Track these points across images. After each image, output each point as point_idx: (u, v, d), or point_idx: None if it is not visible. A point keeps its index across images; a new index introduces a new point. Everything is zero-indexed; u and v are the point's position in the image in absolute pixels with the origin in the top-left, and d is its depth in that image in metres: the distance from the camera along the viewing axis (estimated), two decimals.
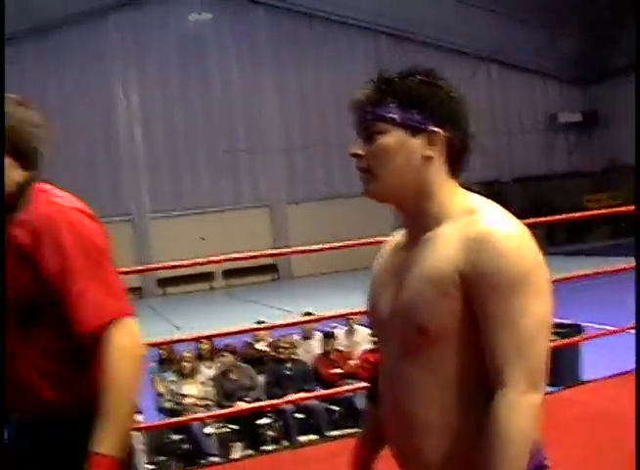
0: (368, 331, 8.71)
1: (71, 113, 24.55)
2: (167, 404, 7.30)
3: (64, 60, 24.71)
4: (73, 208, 2.05)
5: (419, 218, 1.69)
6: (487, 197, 1.69)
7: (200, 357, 8.07)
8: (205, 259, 5.84)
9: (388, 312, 1.69)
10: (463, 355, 1.59)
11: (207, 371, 7.86)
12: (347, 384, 7.43)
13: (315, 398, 7.37)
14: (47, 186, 2.13)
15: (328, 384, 7.69)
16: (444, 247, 1.59)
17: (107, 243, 2.07)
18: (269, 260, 25.10)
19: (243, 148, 26.77)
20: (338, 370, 7.80)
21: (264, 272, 26.34)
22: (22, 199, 2.06)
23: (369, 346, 8.06)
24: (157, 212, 25.54)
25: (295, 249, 6.07)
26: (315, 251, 5.10)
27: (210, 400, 7.49)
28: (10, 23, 23.08)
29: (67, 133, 24.45)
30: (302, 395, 7.25)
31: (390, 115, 1.67)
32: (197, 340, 7.69)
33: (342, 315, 7.18)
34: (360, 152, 1.73)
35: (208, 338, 7.62)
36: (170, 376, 7.52)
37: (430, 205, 1.67)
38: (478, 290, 1.53)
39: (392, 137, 1.67)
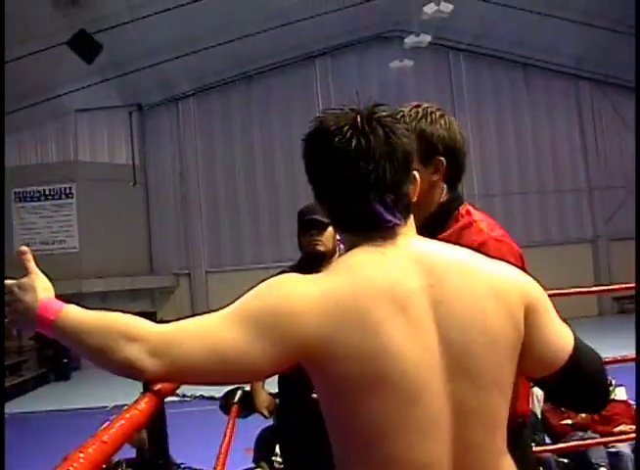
0: None
1: (274, 155, 25.51)
2: None
3: (268, 105, 25.69)
4: (496, 238, 2.11)
5: None
6: None
7: None
8: None
9: None
10: None
11: None
12: (577, 436, 7.11)
13: (548, 451, 7.02)
14: (472, 210, 2.29)
15: (557, 435, 7.33)
16: None
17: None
18: None
19: None
20: (568, 421, 7.39)
21: None
22: (446, 221, 2.19)
23: None
24: None
25: None
26: None
27: None
28: (220, 71, 24.37)
29: (269, 174, 25.37)
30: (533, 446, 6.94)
31: None
32: None
33: None
34: None
35: None
36: None
37: None
38: None
39: None
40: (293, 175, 24.86)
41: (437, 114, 2.20)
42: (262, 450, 6.45)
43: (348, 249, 1.52)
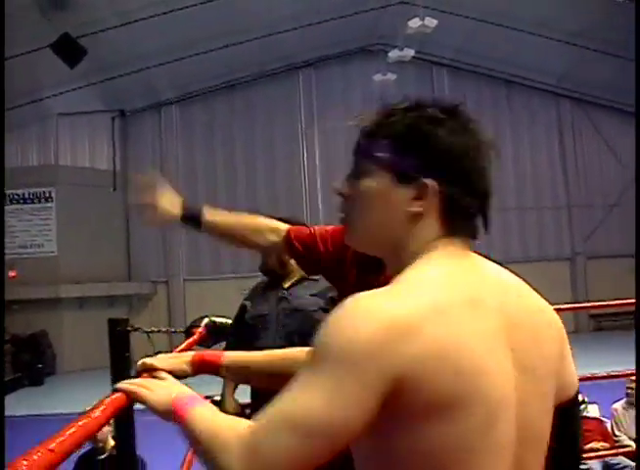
0: None
1: (256, 166, 25.48)
2: None
3: (251, 115, 25.64)
4: None
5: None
6: None
7: None
8: None
9: None
10: None
11: None
12: None
13: None
14: None
15: None
16: None
17: None
18: None
19: None
20: None
21: None
22: None
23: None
24: None
25: None
26: None
27: None
28: (204, 80, 24.33)
29: (250, 184, 25.31)
30: None
31: (379, 153, 1.36)
32: None
33: None
34: (343, 191, 1.42)
35: None
36: None
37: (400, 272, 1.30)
38: None
39: (375, 181, 1.35)
40: (273, 186, 24.86)
41: None
42: None
43: (420, 252, 1.33)
